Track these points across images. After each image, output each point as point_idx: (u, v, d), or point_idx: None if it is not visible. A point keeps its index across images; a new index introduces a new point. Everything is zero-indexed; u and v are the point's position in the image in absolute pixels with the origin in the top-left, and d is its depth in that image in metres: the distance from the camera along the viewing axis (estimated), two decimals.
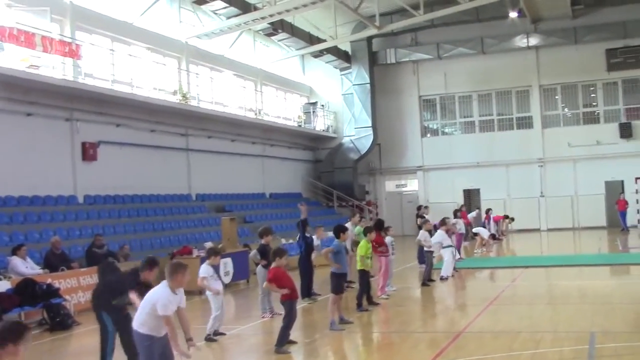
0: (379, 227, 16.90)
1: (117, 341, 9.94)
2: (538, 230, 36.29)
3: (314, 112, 38.18)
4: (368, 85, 38.14)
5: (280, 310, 11.86)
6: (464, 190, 37.92)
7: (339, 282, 13.06)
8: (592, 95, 36.89)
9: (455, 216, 25.93)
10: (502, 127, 37.95)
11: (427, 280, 17.89)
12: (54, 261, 16.39)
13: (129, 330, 8.64)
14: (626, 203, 32.95)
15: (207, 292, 12.31)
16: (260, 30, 32.52)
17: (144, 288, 9.07)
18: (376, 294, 15.71)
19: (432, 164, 38.45)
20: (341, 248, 13.71)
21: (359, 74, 38.24)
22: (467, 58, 37.79)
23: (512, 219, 33.81)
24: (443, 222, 20.19)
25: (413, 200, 38.78)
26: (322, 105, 39.37)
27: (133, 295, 9.20)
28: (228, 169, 30.11)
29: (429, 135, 39.53)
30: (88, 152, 22.25)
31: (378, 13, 33.10)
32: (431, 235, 19.14)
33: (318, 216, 33.04)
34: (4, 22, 18.83)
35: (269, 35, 33.01)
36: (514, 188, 37.00)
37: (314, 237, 17.41)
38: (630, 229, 32.79)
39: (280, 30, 32.14)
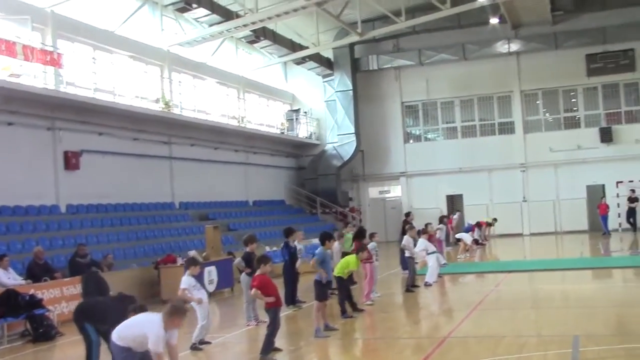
0: (360, 236, 17.03)
1: (104, 348, 9.82)
2: (521, 235, 36.48)
3: (296, 119, 38.21)
4: (350, 92, 38.23)
5: (266, 317, 11.85)
6: (447, 196, 38.06)
7: (322, 290, 13.06)
8: (573, 100, 37.20)
9: (442, 222, 26.07)
10: (484, 133, 38.14)
11: (411, 286, 17.93)
12: (36, 271, 16.24)
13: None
14: (607, 207, 33.21)
15: (192, 302, 12.23)
16: (242, 37, 32.51)
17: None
18: (361, 300, 15.73)
19: (415, 170, 38.56)
20: (326, 256, 13.70)
21: (341, 81, 38.33)
22: (448, 64, 37.99)
23: (495, 219, 33.88)
24: (425, 229, 20.28)
25: (396, 206, 38.90)
26: (305, 112, 39.41)
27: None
28: (211, 176, 30.05)
29: (411, 141, 39.65)
30: (70, 161, 22.13)
31: (360, 20, 33.22)
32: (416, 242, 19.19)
33: (302, 223, 33.01)
34: None
35: (251, 42, 33.00)
36: (496, 193, 37.18)
37: (297, 244, 17.36)
38: (611, 233, 33.03)
39: (262, 38, 32.14)
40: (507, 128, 37.68)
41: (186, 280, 12.05)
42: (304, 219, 35.13)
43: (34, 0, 21.66)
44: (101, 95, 23.77)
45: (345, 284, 14.44)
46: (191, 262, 12.47)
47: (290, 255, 16.67)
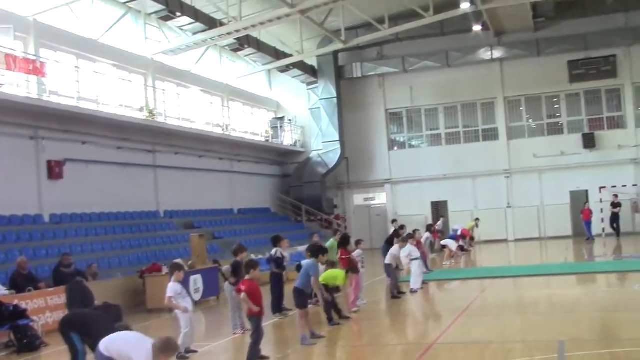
0: (345, 243, 17.07)
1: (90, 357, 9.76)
2: (505, 240, 36.63)
3: (281, 127, 38.22)
4: (335, 100, 38.30)
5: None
6: (432, 203, 38.16)
7: (301, 298, 13.04)
8: (556, 106, 37.44)
9: (429, 230, 26.12)
10: (468, 139, 38.30)
11: (396, 293, 17.95)
12: (20, 282, 16.12)
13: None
14: (591, 212, 33.39)
15: (176, 310, 12.17)
16: (226, 45, 32.50)
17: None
18: (347, 307, 15.71)
19: (400, 177, 38.64)
20: (317, 271, 13.58)
21: (325, 88, 38.39)
22: (432, 71, 38.15)
23: (478, 219, 33.96)
24: (412, 234, 20.32)
25: (381, 213, 38.98)
26: (290, 120, 39.43)
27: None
28: (196, 185, 29.96)
29: (396, 148, 39.74)
30: (54, 170, 22.00)
31: (343, 27, 33.35)
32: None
33: (287, 231, 32.92)
34: None
35: (235, 50, 33.00)
36: (481, 199, 37.32)
37: (284, 253, 17.30)
38: (595, 238, 33.23)
39: (246, 46, 32.14)
40: (491, 134, 37.86)
41: (172, 288, 11.97)
42: (289, 227, 35.09)
43: (17, 9, 21.57)
44: (84, 104, 23.65)
45: (330, 292, 14.42)
46: (175, 268, 12.34)
47: (277, 263, 16.65)
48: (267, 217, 35.84)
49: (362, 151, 39.06)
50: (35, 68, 20.59)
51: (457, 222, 33.04)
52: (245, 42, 31.75)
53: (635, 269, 20.96)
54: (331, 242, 18.50)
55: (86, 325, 9.75)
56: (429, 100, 38.55)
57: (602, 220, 34.03)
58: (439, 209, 38.00)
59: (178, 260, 18.34)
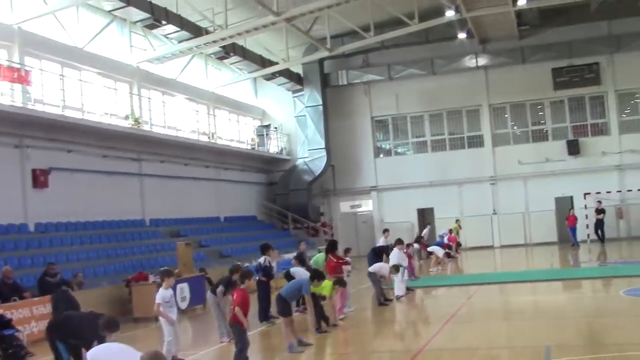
0: (333, 248, 17.07)
1: None
2: (491, 247, 36.74)
3: (267, 134, 38.22)
4: (320, 107, 38.35)
5: None
6: (418, 210, 38.26)
7: (285, 305, 13.03)
8: (540, 113, 37.66)
9: (417, 241, 26.19)
10: (453, 147, 38.43)
11: (383, 300, 17.97)
12: (5, 291, 16.02)
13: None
14: (576, 219, 33.56)
15: (161, 319, 12.09)
16: (212, 53, 32.48)
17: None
18: (334, 315, 15.70)
19: (386, 184, 38.72)
20: (309, 290, 13.57)
21: (311, 96, 38.44)
22: (417, 79, 38.29)
23: (458, 220, 34.12)
24: (401, 241, 20.36)
25: (368, 220, 39.03)
26: (275, 128, 39.44)
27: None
28: (182, 193, 29.88)
29: (382, 155, 39.81)
30: (39, 179, 21.88)
31: (329, 35, 33.44)
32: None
33: (273, 239, 32.90)
34: None
35: (221, 58, 32.99)
36: (467, 206, 37.44)
37: (272, 262, 17.25)
38: (580, 244, 33.41)
39: (232, 54, 32.13)
40: (476, 141, 38.02)
41: (162, 294, 11.92)
42: (275, 235, 35.08)
43: (1, 17, 21.49)
44: (70, 112, 23.55)
45: (316, 300, 14.41)
46: (165, 274, 12.30)
47: (265, 272, 16.63)
48: (253, 225, 35.78)
49: (348, 158, 39.12)
50: (20, 76, 20.51)
51: (444, 228, 33.23)
52: (230, 50, 31.75)
53: (619, 274, 21.10)
54: (317, 256, 18.52)
55: (71, 327, 9.70)
56: (414, 107, 38.67)
57: (587, 226, 34.21)
58: (425, 216, 38.10)
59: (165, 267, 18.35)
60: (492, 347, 11.90)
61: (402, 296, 18.70)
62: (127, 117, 26.61)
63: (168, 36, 28.45)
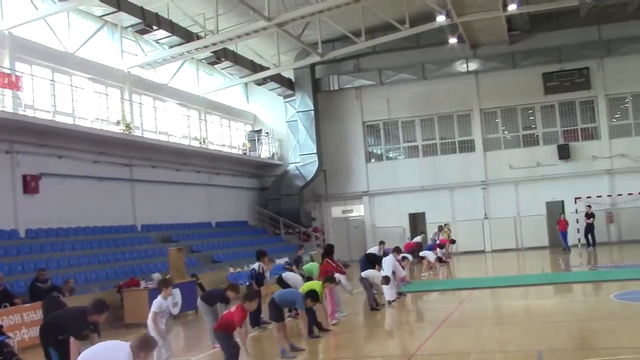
0: (330, 252, 17.09)
1: None
2: (483, 251, 36.79)
3: (258, 139, 38.20)
4: (312, 112, 38.37)
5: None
6: (410, 215, 38.30)
7: (277, 311, 13.01)
8: (531, 118, 37.78)
9: (412, 254, 26.23)
10: (444, 151, 38.50)
11: (375, 305, 17.98)
12: None
13: None
14: (567, 223, 33.64)
15: (149, 325, 11.98)
16: (203, 59, 32.48)
17: (91, 327, 9.01)
18: (325, 320, 15.70)
19: (377, 189, 38.76)
20: (303, 305, 13.57)
21: (302, 101, 38.47)
22: (409, 83, 38.35)
23: (445, 225, 34.21)
24: (398, 250, 20.44)
25: (359, 225, 39.04)
26: (267, 133, 39.43)
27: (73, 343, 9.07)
28: (173, 198, 29.84)
29: (373, 160, 39.85)
30: (29, 184, 21.81)
31: (320, 40, 33.46)
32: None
33: (265, 244, 32.91)
34: None
35: (212, 63, 32.97)
36: (458, 211, 37.50)
37: (265, 269, 17.19)
38: (571, 248, 33.50)
39: (223, 59, 32.12)
40: (467, 146, 38.10)
41: (159, 303, 11.86)
42: (267, 240, 35.06)
43: None
44: (61, 117, 23.47)
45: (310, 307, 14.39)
46: (163, 284, 12.23)
47: (257, 279, 16.61)
48: (245, 230, 35.74)
49: (340, 163, 39.14)
50: (10, 82, 20.44)
51: (434, 229, 33.37)
52: (222, 55, 31.75)
53: (610, 278, 21.16)
54: (311, 265, 18.56)
55: (60, 324, 9.69)
56: (405, 112, 38.74)
57: (578, 230, 34.31)
58: (416, 220, 38.15)
59: (157, 276, 18.35)
60: (484, 351, 11.92)
61: (393, 301, 18.71)
62: (118, 123, 26.53)
63: (159, 41, 28.43)
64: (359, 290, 19.34)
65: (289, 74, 38.18)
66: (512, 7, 30.82)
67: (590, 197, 34.49)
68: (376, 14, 31.54)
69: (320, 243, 37.88)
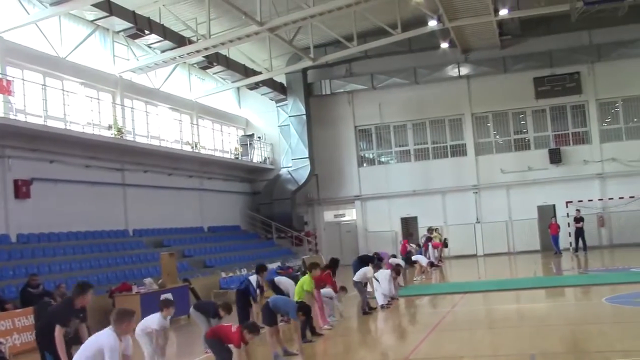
0: (334, 265, 17.21)
1: None
2: (475, 256, 36.85)
3: (250, 144, 38.18)
4: (304, 117, 38.39)
5: None
6: (402, 219, 38.35)
7: (270, 315, 13.00)
8: (522, 122, 37.90)
9: (407, 262, 26.25)
10: (436, 155, 38.58)
11: (368, 309, 17.99)
12: None
13: None
14: (558, 227, 33.74)
15: (138, 335, 11.86)
16: (195, 63, 32.47)
17: (81, 315, 9.09)
18: (318, 325, 15.69)
19: (370, 193, 38.78)
20: (296, 316, 13.56)
21: (294, 106, 38.49)
22: (400, 88, 38.43)
23: (435, 230, 34.13)
24: (397, 271, 20.50)
25: (351, 229, 39.07)
26: (259, 137, 39.42)
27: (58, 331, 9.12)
28: (165, 203, 29.77)
29: (365, 164, 39.89)
30: (21, 189, 21.73)
31: (312, 45, 33.53)
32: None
33: (257, 248, 33.01)
34: None
35: (204, 68, 32.97)
36: (450, 215, 37.58)
37: (261, 283, 17.09)
38: (562, 252, 33.59)
39: (215, 63, 32.11)
40: (459, 150, 38.20)
41: (160, 323, 11.77)
42: (259, 244, 35.05)
43: None
44: (52, 122, 23.39)
45: (307, 310, 14.38)
46: (165, 304, 12.12)
47: (254, 293, 16.44)
48: (237, 234, 35.69)
49: (332, 168, 39.17)
50: (1, 86, 20.40)
51: (424, 234, 33.41)
52: (214, 60, 31.73)
53: (601, 282, 21.23)
54: (304, 279, 18.51)
55: (51, 319, 9.70)
56: (397, 116, 38.81)
57: (569, 234, 34.42)
58: (408, 225, 38.19)
59: (150, 281, 18.28)
60: (476, 355, 11.94)
61: (385, 305, 18.72)
62: (110, 127, 26.49)
63: (151, 46, 28.37)
64: (351, 295, 19.33)
65: (281, 78, 38.21)
66: (503, 12, 31.02)
67: (581, 201, 34.66)
68: (368, 18, 31.63)
69: (312, 247, 37.91)
